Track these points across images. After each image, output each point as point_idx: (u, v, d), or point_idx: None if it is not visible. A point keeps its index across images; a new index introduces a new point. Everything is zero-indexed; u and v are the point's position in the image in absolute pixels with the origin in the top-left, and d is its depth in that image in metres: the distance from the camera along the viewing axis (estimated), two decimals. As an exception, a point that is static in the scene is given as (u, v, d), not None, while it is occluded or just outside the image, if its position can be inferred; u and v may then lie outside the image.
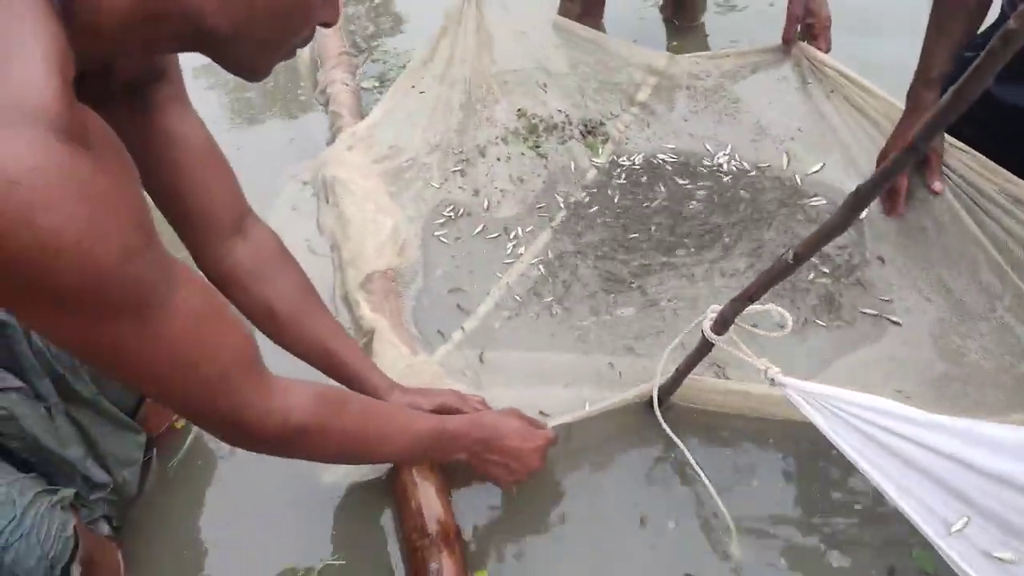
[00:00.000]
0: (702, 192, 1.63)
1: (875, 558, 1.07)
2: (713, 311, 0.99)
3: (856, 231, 1.48)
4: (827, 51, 1.62)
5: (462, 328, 1.36)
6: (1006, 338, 1.28)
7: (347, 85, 1.93)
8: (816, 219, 1.53)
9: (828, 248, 1.24)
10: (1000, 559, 0.86)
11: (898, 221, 1.45)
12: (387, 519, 1.15)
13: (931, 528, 0.84)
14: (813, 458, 1.18)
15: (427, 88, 1.75)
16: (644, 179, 1.67)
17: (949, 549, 0.82)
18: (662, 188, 1.64)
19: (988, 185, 1.32)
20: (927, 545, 0.89)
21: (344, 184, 1.59)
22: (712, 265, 1.47)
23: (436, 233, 1.57)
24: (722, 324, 0.98)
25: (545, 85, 1.80)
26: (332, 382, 1.05)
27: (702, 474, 1.07)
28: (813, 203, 1.57)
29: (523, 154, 1.72)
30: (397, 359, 1.24)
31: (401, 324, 1.34)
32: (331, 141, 1.78)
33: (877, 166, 1.41)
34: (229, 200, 0.94)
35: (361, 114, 1.85)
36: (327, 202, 1.61)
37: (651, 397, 1.14)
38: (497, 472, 1.05)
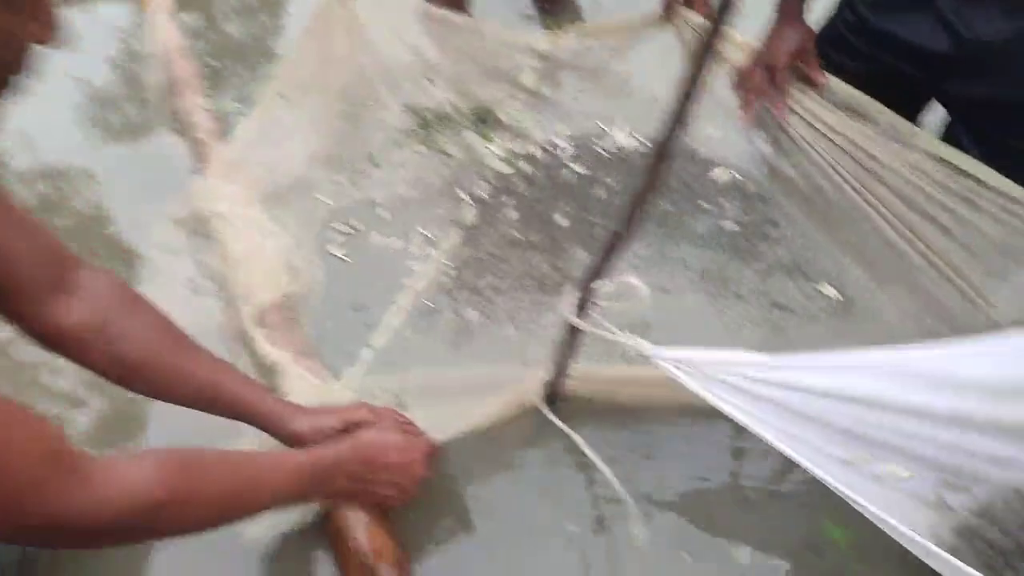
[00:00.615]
0: (603, 173, 1.60)
1: (784, 529, 1.09)
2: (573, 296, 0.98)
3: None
4: (707, 14, 1.62)
5: (370, 346, 1.29)
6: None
7: (207, 109, 1.78)
8: (726, 189, 1.53)
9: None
10: (886, 477, 0.97)
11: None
12: (325, 566, 1.06)
13: (824, 470, 0.88)
14: (718, 434, 1.18)
15: (300, 96, 1.65)
16: (544, 166, 1.64)
17: (846, 488, 0.85)
18: (565, 173, 1.61)
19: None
20: (836, 516, 1.01)
21: (221, 216, 1.47)
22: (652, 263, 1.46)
23: (332, 252, 1.48)
24: (584, 307, 0.97)
25: (431, 79, 1.73)
26: (220, 421, 0.97)
27: (599, 461, 1.06)
28: (715, 174, 1.59)
29: (418, 153, 1.66)
30: (307, 391, 1.15)
31: (306, 354, 1.25)
32: (197, 171, 1.63)
33: (736, 87, 1.41)
34: (40, 259, 0.86)
35: (226, 138, 1.71)
36: (205, 238, 1.46)
37: (542, 396, 1.14)
38: (386, 493, 1.01)
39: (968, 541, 0.96)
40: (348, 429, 1.01)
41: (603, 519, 1.10)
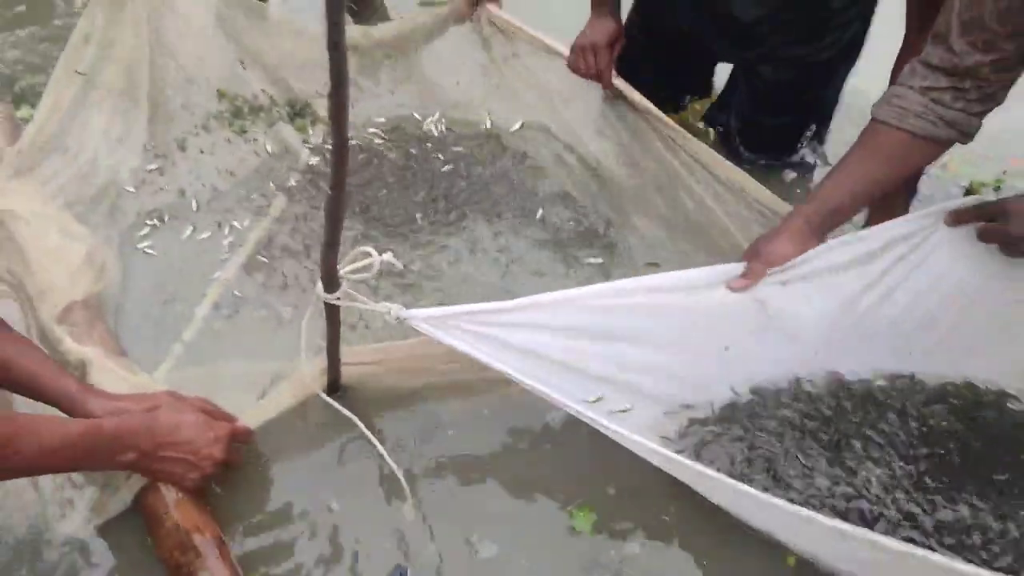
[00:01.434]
0: (419, 162, 1.69)
1: (560, 498, 1.15)
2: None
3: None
4: (500, 6, 1.74)
5: (180, 340, 1.32)
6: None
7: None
8: (537, 173, 1.68)
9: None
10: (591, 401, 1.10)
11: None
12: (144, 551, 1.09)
13: (575, 405, 1.00)
14: (502, 406, 1.25)
15: (97, 75, 1.58)
16: (361, 157, 1.70)
17: (598, 418, 0.99)
18: (380, 164, 1.69)
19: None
20: (586, 504, 1.12)
21: (16, 216, 1.42)
22: (452, 236, 1.54)
23: (139, 246, 1.49)
24: (330, 281, 0.98)
25: (243, 62, 1.73)
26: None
27: (374, 440, 1.07)
28: (524, 160, 1.73)
29: (229, 141, 1.66)
30: (118, 384, 1.17)
31: (114, 351, 1.27)
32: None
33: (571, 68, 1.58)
34: None
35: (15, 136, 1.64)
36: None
37: (323, 384, 1.16)
38: (175, 470, 1.03)
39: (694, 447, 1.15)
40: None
41: (382, 496, 1.15)
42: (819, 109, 1.71)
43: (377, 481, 1.16)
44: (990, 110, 1.09)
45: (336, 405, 1.10)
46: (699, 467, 0.96)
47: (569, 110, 1.72)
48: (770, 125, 1.73)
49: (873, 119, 1.12)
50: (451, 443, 1.21)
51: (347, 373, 1.20)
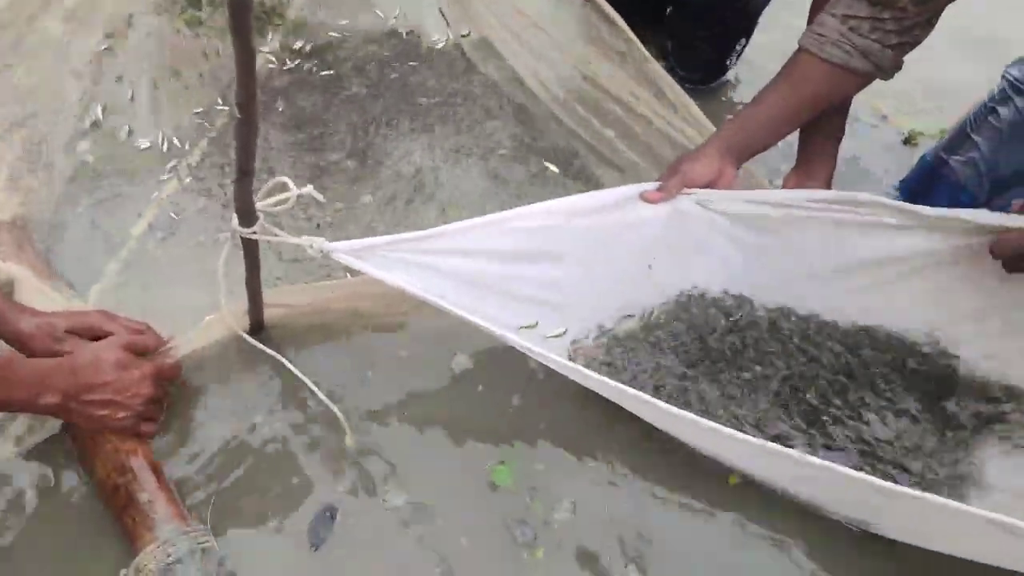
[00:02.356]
0: (373, 71, 1.63)
1: (484, 446, 1.16)
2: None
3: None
4: None
5: (116, 260, 1.31)
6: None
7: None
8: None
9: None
10: (525, 327, 1.11)
11: None
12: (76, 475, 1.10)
13: (505, 332, 0.99)
14: (435, 343, 1.25)
15: None
16: (315, 65, 1.62)
17: (529, 344, 0.98)
18: (344, 77, 1.62)
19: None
20: (509, 459, 1.11)
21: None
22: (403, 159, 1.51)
23: (78, 151, 1.41)
24: (244, 214, 0.94)
25: None
26: None
27: (303, 377, 1.07)
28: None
29: (179, 31, 1.53)
30: (47, 305, 1.15)
31: (44, 272, 1.25)
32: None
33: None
34: None
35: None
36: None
37: (246, 323, 1.15)
38: (105, 414, 1.02)
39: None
40: (80, 333, 1.05)
41: (316, 436, 1.15)
42: (746, 19, 1.74)
43: (304, 416, 1.17)
44: (908, 46, 1.13)
45: (260, 346, 1.09)
46: (611, 382, 0.96)
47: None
48: (702, 40, 1.75)
49: (798, 47, 1.17)
50: (375, 386, 1.21)
51: (272, 312, 1.19)
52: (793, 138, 1.30)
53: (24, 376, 0.95)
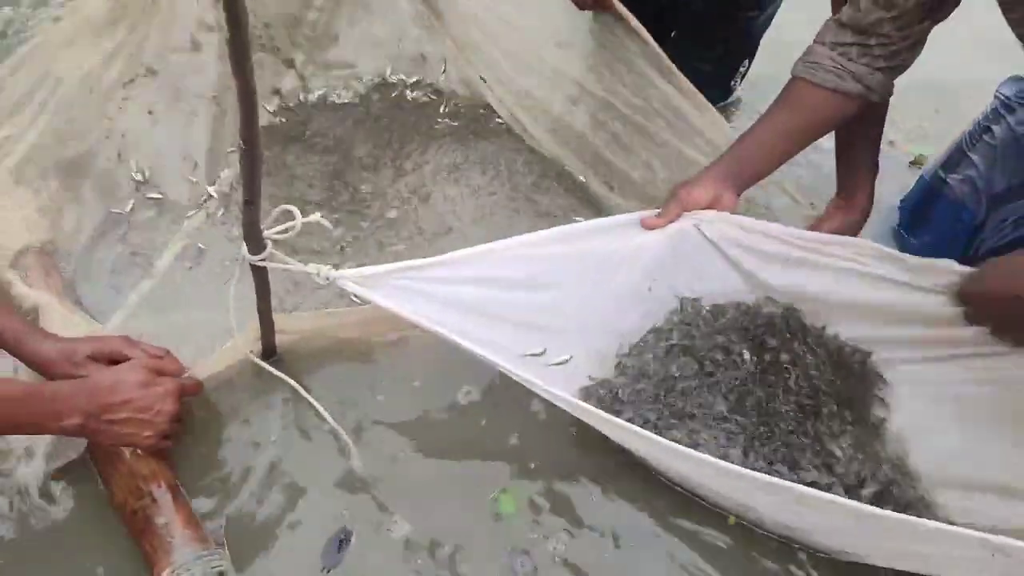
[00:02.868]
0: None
1: (488, 475, 1.17)
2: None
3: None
4: None
5: (137, 291, 1.35)
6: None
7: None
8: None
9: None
10: (533, 355, 1.12)
11: None
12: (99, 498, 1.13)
13: (505, 362, 1.00)
14: (445, 374, 1.26)
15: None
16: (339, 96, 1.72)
17: (530, 377, 0.99)
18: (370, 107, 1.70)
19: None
20: (512, 487, 1.13)
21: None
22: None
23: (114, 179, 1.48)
24: (253, 242, 0.97)
25: None
26: None
27: (313, 400, 1.09)
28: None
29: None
30: (70, 331, 1.18)
31: (69, 299, 1.30)
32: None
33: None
34: None
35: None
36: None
37: (258, 349, 1.17)
38: (130, 432, 1.04)
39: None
40: (101, 358, 1.08)
41: (330, 459, 1.17)
42: (750, 40, 1.79)
43: (319, 439, 1.19)
44: (897, 69, 1.19)
45: (271, 370, 1.11)
46: (608, 417, 0.98)
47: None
48: (706, 62, 1.79)
49: (792, 76, 1.22)
50: (386, 411, 1.23)
51: (284, 338, 1.22)
52: (822, 166, 1.36)
53: (45, 399, 0.98)
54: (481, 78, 1.74)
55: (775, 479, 0.90)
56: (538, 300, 1.13)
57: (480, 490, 1.15)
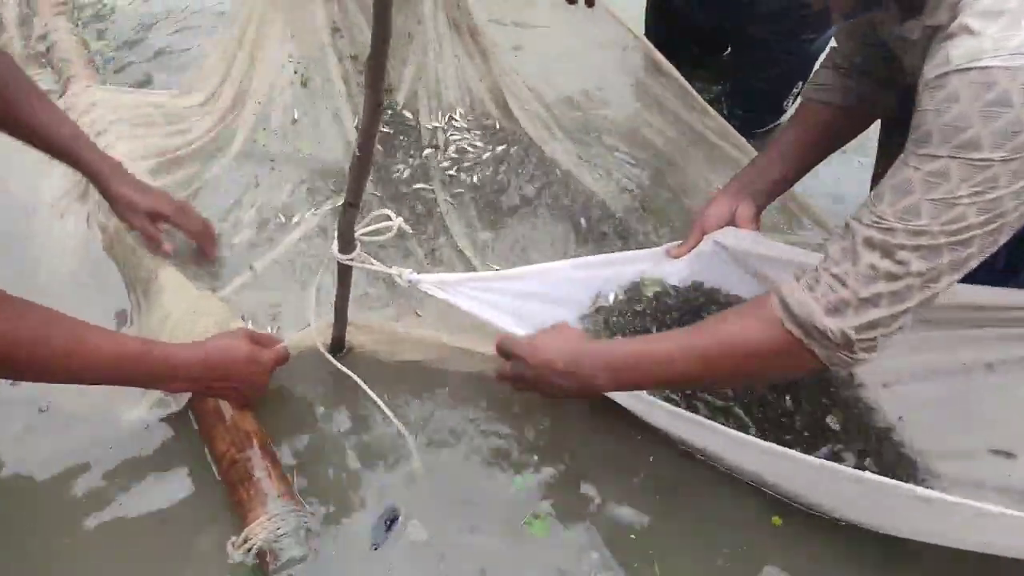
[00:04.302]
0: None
1: (524, 492, 1.19)
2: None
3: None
4: None
5: (252, 268, 1.44)
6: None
7: (73, 35, 1.83)
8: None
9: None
10: None
11: None
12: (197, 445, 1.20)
13: None
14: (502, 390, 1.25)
15: None
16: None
17: None
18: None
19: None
20: (545, 512, 1.15)
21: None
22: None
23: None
24: (345, 242, 1.04)
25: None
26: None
27: (375, 396, 1.13)
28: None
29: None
30: (181, 292, 1.29)
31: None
32: (62, 94, 1.67)
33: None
34: None
35: (95, 66, 1.76)
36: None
37: (326, 342, 1.23)
38: (225, 395, 1.15)
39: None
40: (153, 215, 1.30)
41: (384, 458, 1.21)
42: (806, 62, 1.78)
43: (381, 439, 1.23)
44: (895, 85, 1.21)
45: (338, 364, 1.16)
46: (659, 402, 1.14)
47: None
48: (760, 80, 1.86)
49: (802, 98, 1.32)
50: (440, 419, 1.26)
51: (356, 337, 1.28)
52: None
53: (158, 360, 1.05)
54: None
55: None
56: (562, 315, 1.26)
57: (518, 508, 1.17)
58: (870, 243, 0.90)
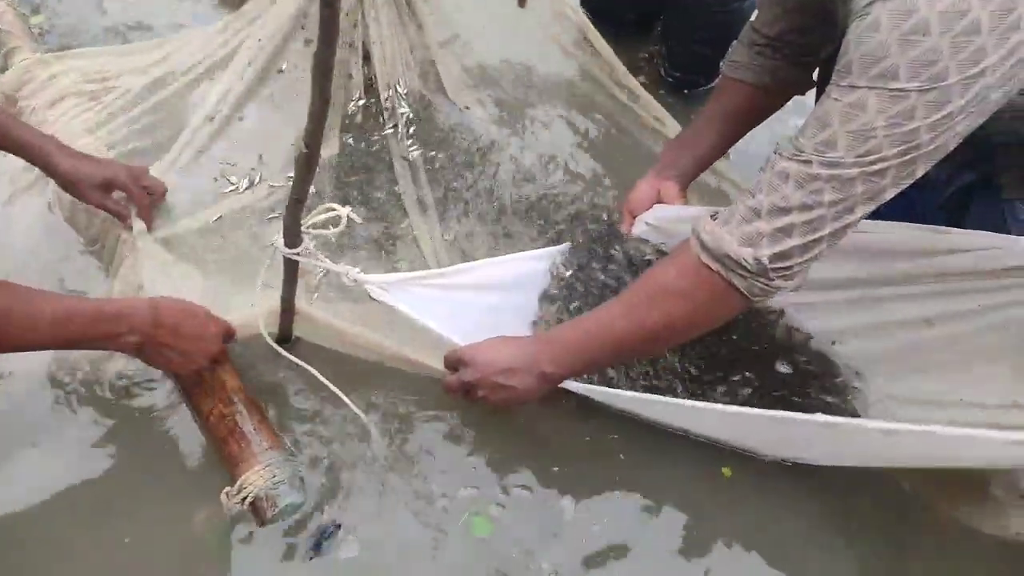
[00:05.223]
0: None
1: (464, 495, 1.19)
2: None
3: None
4: None
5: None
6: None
7: (10, 7, 1.77)
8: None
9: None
10: None
11: None
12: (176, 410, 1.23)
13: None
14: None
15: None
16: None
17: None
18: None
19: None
20: (485, 511, 1.16)
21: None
22: None
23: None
24: (291, 236, 1.02)
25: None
26: None
27: (329, 383, 1.14)
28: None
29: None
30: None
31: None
32: (3, 70, 1.63)
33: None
34: None
35: (33, 37, 1.72)
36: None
37: (272, 330, 1.22)
38: (172, 358, 1.10)
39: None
40: (106, 186, 1.27)
41: (342, 436, 1.22)
42: (740, 23, 1.67)
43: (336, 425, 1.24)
44: (812, 64, 1.25)
45: (288, 355, 1.17)
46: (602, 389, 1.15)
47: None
48: (699, 42, 1.87)
49: (720, 75, 1.34)
50: (397, 392, 1.27)
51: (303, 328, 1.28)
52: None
53: (107, 316, 1.02)
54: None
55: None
56: (512, 300, 1.28)
57: (457, 507, 1.18)
58: (784, 174, 0.91)
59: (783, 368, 1.27)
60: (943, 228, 1.14)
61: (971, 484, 1.22)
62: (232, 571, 1.09)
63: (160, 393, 1.23)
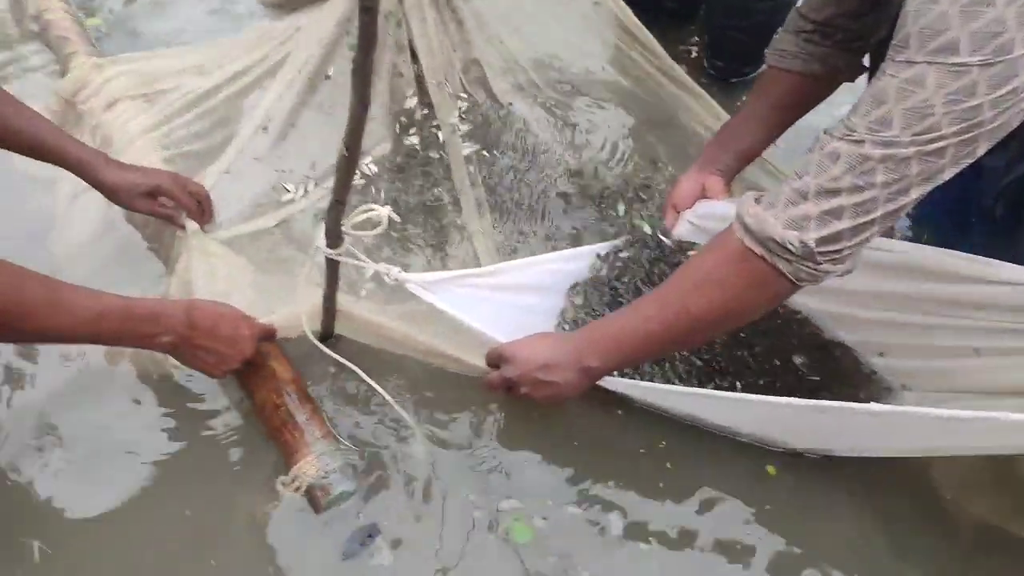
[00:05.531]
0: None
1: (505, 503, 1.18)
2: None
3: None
4: None
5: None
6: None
7: (67, 13, 1.84)
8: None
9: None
10: None
11: None
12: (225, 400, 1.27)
13: None
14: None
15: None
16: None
17: None
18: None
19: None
20: (526, 516, 1.15)
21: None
22: None
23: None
24: (332, 236, 1.05)
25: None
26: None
27: (373, 383, 1.15)
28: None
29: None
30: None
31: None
32: (63, 74, 1.69)
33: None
34: None
35: (89, 40, 1.78)
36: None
37: (315, 327, 1.23)
38: (207, 360, 1.11)
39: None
40: (152, 193, 1.28)
41: (386, 439, 1.23)
42: (782, 9, 1.64)
43: (374, 423, 1.25)
44: (862, 49, 1.22)
45: (330, 352, 1.19)
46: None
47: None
48: (738, 30, 1.86)
49: (765, 65, 1.29)
50: (445, 390, 1.28)
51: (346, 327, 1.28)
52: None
53: (140, 316, 1.03)
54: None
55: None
56: (550, 302, 1.30)
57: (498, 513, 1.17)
58: (835, 155, 0.88)
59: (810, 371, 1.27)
60: (995, 261, 1.08)
61: (1009, 487, 1.20)
62: (270, 556, 1.10)
63: (217, 382, 1.27)
